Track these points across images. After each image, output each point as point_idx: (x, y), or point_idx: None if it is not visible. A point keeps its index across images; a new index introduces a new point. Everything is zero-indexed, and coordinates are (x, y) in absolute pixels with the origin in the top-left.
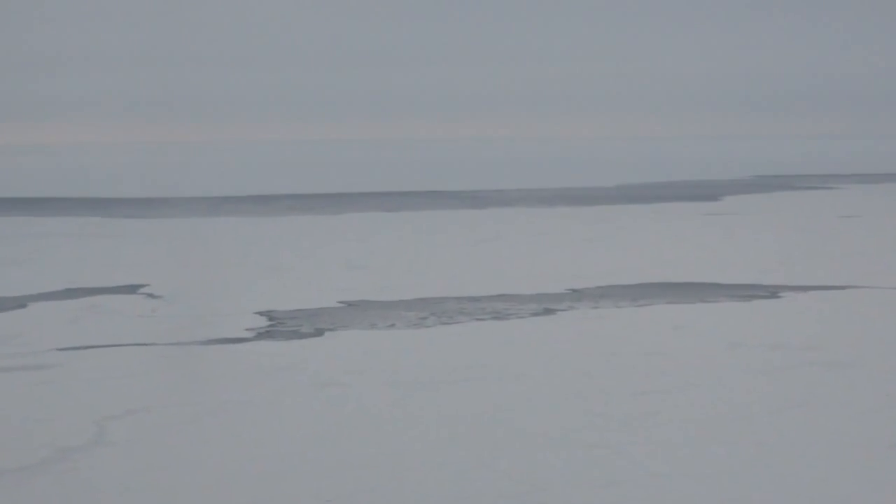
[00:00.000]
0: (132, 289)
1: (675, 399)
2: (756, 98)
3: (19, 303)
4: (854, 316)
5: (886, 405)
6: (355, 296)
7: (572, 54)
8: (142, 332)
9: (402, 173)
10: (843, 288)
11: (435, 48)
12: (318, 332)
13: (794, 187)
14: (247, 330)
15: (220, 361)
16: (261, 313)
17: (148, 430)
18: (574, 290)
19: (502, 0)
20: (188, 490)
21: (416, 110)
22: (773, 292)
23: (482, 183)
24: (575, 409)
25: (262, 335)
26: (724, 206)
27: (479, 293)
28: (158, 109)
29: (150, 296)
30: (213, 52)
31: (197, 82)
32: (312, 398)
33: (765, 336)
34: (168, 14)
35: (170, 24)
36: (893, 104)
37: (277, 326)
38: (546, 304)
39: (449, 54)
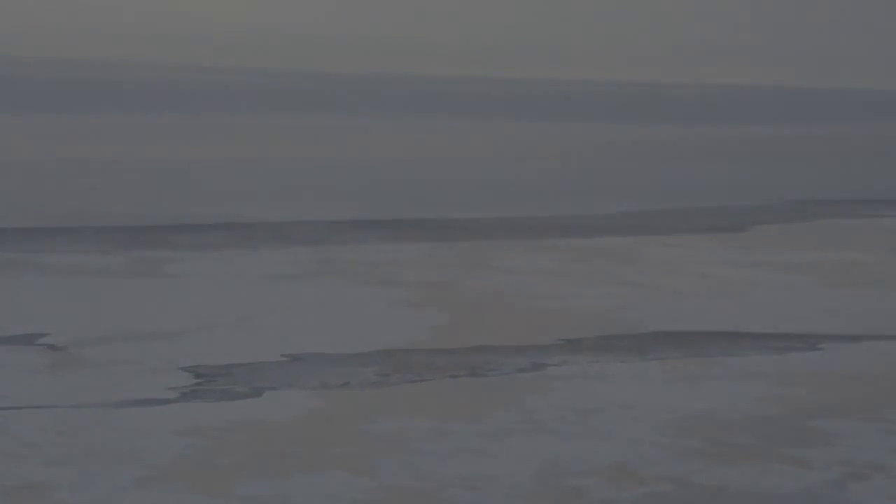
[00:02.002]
0: (28, 339)
1: None
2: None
3: None
4: None
5: None
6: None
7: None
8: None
9: None
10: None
11: None
12: (256, 392)
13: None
14: (169, 389)
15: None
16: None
17: None
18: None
19: None
20: None
21: None
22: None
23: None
24: None
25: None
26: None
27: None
28: None
29: (51, 347)
30: None
31: None
32: None
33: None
34: None
35: None
36: None
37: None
38: (535, 359)
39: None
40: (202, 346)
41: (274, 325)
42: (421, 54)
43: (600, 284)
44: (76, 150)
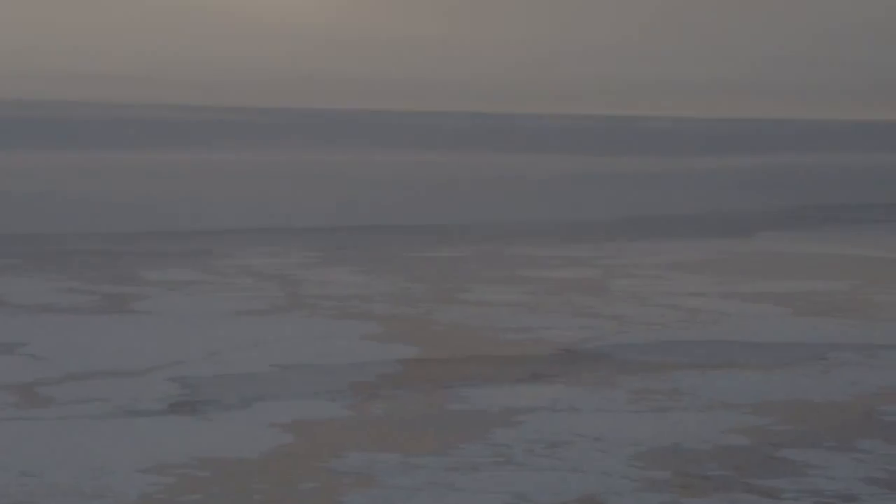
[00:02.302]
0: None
1: None
2: None
3: None
4: None
5: None
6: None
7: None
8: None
9: None
10: None
11: None
12: (222, 429)
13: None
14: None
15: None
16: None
17: None
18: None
19: None
20: None
21: None
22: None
23: None
24: None
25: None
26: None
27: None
28: None
29: (16, 386)
30: None
31: None
32: None
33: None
34: None
35: None
36: None
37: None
38: (503, 391)
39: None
40: (168, 383)
41: (241, 362)
42: (377, 90)
43: (570, 316)
44: (37, 186)
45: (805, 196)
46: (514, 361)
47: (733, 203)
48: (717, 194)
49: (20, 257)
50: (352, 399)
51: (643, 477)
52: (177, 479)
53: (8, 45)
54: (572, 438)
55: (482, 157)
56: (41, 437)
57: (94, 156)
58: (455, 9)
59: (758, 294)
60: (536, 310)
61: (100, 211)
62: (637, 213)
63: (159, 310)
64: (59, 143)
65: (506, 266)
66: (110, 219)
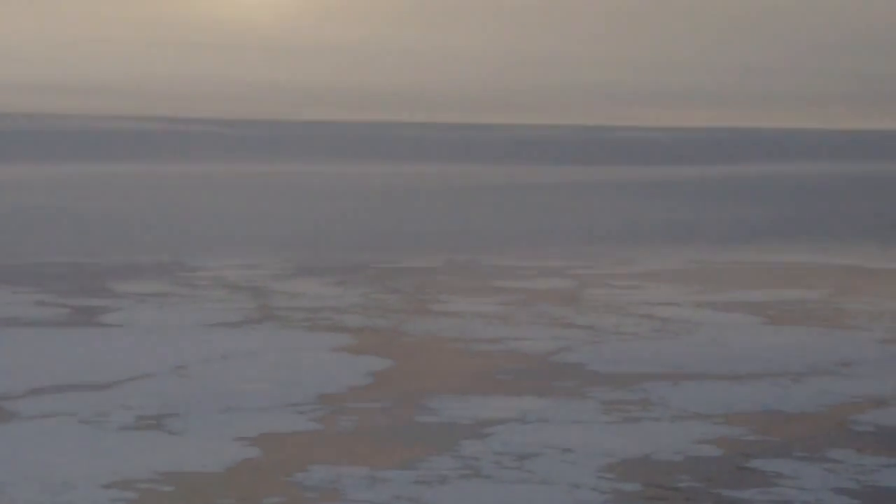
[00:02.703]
0: None
1: None
2: None
3: None
4: None
5: None
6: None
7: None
8: None
9: None
10: None
11: None
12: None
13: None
14: None
15: None
16: None
17: None
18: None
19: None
20: None
21: None
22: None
23: None
24: None
25: None
26: None
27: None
28: None
29: None
30: None
31: None
32: None
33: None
34: None
35: None
36: None
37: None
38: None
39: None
40: (136, 396)
41: (210, 374)
42: (355, 99)
43: (543, 327)
44: (6, 198)
45: (780, 205)
46: (484, 373)
47: (708, 213)
48: (692, 204)
49: None
50: (320, 412)
51: (613, 489)
52: (140, 493)
53: None
54: (542, 450)
55: (451, 168)
56: (3, 452)
57: (63, 168)
58: (421, 16)
59: (731, 303)
60: (509, 321)
61: (71, 223)
62: (612, 223)
63: (129, 322)
64: (27, 155)
65: (480, 277)
66: (82, 231)
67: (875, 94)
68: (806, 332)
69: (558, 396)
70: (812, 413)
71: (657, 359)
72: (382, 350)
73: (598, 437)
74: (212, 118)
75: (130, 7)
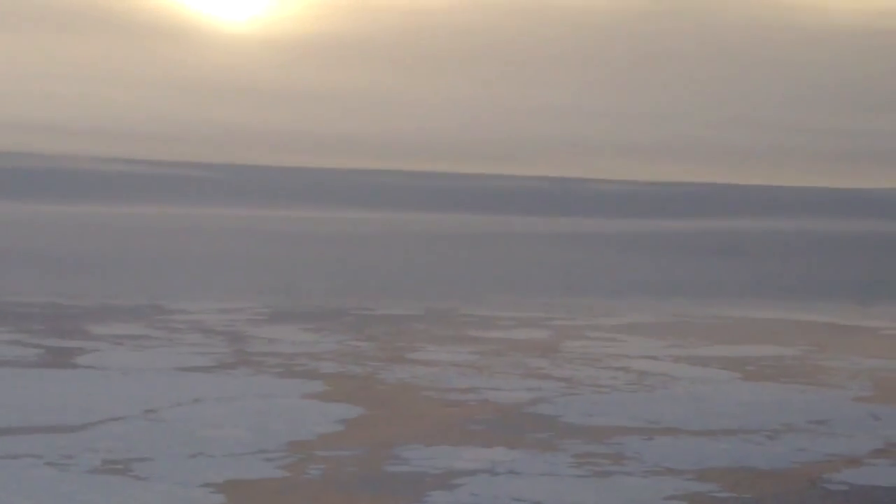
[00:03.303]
0: None
1: None
2: None
3: None
4: None
5: None
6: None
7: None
8: None
9: None
10: None
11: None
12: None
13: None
14: None
15: None
16: None
17: None
18: None
19: None
20: None
21: None
22: None
23: None
24: None
25: None
26: None
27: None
28: None
29: None
30: None
31: None
32: None
33: None
34: None
35: None
36: None
37: None
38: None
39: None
40: (104, 439)
41: (180, 419)
42: (334, 145)
43: (518, 378)
44: None
45: (758, 262)
46: (456, 423)
47: (686, 267)
48: (670, 258)
49: None
50: (288, 459)
51: None
52: None
53: None
54: (510, 503)
55: (429, 216)
56: None
57: (41, 208)
58: (393, 63)
59: (708, 358)
60: (484, 371)
61: (50, 264)
62: (590, 275)
63: (103, 364)
64: (4, 194)
65: (456, 326)
66: (60, 272)
67: (859, 150)
68: (782, 388)
69: (530, 448)
70: (784, 470)
71: (632, 412)
72: (355, 398)
73: (568, 491)
74: (191, 161)
75: (104, 46)
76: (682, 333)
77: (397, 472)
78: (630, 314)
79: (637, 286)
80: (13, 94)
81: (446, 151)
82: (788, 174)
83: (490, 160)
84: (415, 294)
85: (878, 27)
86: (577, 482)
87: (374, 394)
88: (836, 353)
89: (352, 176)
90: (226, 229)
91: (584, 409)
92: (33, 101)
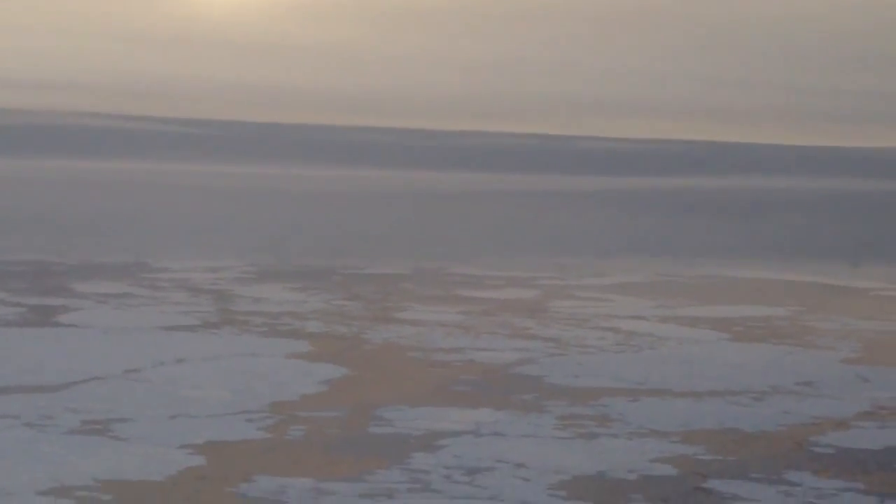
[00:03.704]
0: None
1: None
2: None
3: None
4: None
5: None
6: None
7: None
8: None
9: None
10: None
11: None
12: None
13: None
14: None
15: None
16: None
17: None
18: None
19: None
20: None
21: None
22: None
23: None
24: None
25: None
26: None
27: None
28: None
29: None
30: None
31: None
32: None
33: None
34: None
35: None
36: None
37: None
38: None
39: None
40: (84, 399)
41: (162, 379)
42: (322, 102)
43: (505, 338)
44: None
45: (747, 221)
46: (442, 384)
47: (676, 226)
48: (660, 217)
49: None
50: (270, 420)
51: None
52: (76, 502)
53: None
54: (494, 465)
55: (418, 174)
56: None
57: (26, 164)
58: (378, 17)
59: (697, 319)
60: (471, 331)
61: (35, 221)
62: (580, 234)
63: (85, 323)
64: None
65: (445, 285)
66: (45, 229)
67: (847, 109)
68: (770, 349)
69: (515, 409)
70: (772, 433)
71: (619, 373)
72: (340, 358)
73: (552, 453)
74: (171, 117)
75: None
76: (670, 293)
77: (380, 434)
78: (619, 274)
79: (626, 245)
80: None
81: (432, 108)
82: (778, 132)
83: (476, 117)
84: (403, 253)
85: None
86: (561, 444)
87: (359, 354)
88: (826, 314)
89: (337, 133)
90: (209, 186)
91: (570, 370)
92: (12, 56)
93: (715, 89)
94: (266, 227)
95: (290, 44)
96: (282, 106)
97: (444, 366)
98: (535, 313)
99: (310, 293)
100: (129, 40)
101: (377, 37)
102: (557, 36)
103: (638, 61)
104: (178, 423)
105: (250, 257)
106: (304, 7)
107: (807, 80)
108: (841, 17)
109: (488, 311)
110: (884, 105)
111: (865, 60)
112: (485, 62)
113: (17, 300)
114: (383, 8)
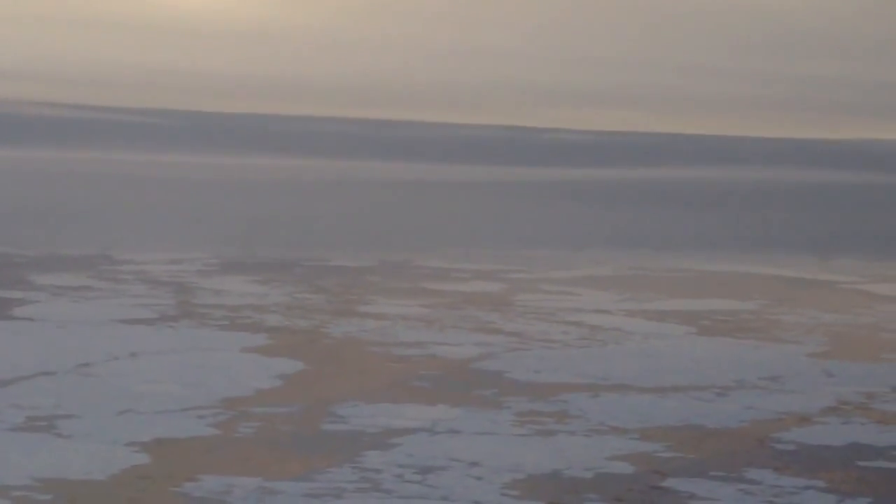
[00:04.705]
0: None
1: None
2: None
3: None
4: None
5: None
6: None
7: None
8: None
9: None
10: None
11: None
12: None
13: None
14: None
15: None
16: None
17: None
18: None
19: None
20: None
21: None
22: None
23: None
24: None
25: None
26: None
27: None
28: None
29: None
30: None
31: None
32: None
33: None
34: None
35: None
36: None
37: None
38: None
39: None
40: (31, 395)
41: (113, 374)
42: (286, 91)
43: (468, 332)
44: None
45: (716, 213)
46: (400, 379)
47: (643, 218)
48: (627, 209)
49: None
50: (221, 416)
51: None
52: (13, 502)
53: None
54: (447, 463)
55: (385, 165)
56: None
57: None
58: (347, 3)
59: (663, 312)
60: (434, 324)
61: None
62: (547, 226)
63: (41, 316)
64: None
65: (410, 278)
66: (3, 221)
67: (817, 100)
68: (736, 344)
69: (473, 406)
70: (733, 429)
71: (581, 368)
72: (297, 352)
73: (508, 451)
74: (142, 108)
75: None
76: (638, 287)
77: (333, 431)
78: (587, 267)
79: (595, 238)
80: None
81: (396, 97)
82: (748, 124)
83: (441, 107)
84: (370, 245)
85: None
86: (517, 441)
87: (317, 348)
88: (794, 308)
89: (300, 123)
90: (174, 177)
91: (531, 365)
92: None
93: (684, 79)
94: (232, 218)
95: (243, 30)
96: (247, 96)
97: (404, 360)
98: (500, 307)
99: (272, 286)
100: (82, 28)
101: (331, 20)
102: (523, 22)
103: (606, 49)
104: (126, 420)
105: (215, 249)
106: None
107: (774, 69)
108: (810, 6)
109: (453, 304)
110: (858, 95)
111: (840, 49)
112: (456, 50)
113: None
114: None
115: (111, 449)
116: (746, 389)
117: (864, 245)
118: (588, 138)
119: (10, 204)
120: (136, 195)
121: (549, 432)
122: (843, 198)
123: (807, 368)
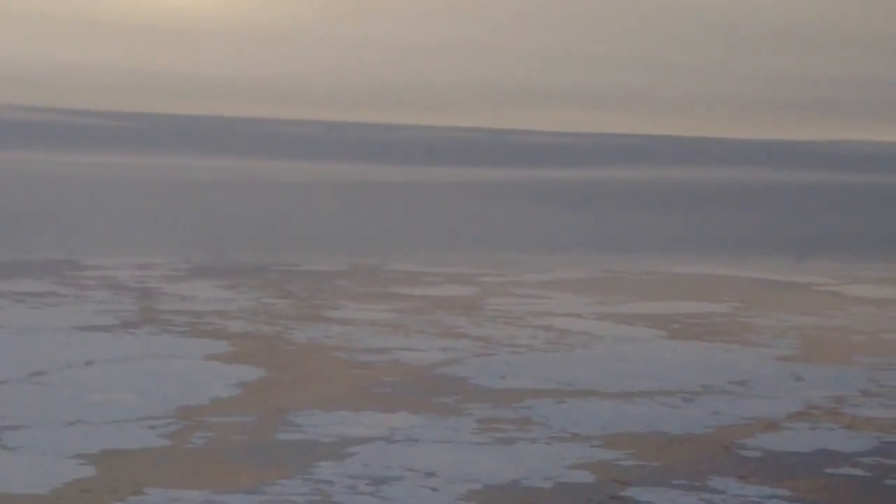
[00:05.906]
0: None
1: None
2: None
3: None
4: None
5: None
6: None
7: None
8: None
9: None
10: None
11: None
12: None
13: None
14: None
15: None
16: None
17: None
18: None
19: None
20: None
21: None
22: None
23: None
24: None
25: None
26: None
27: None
28: None
29: None
30: None
31: None
32: None
33: None
34: None
35: None
36: None
37: None
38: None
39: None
40: None
41: (67, 382)
42: (256, 92)
43: (434, 337)
44: None
45: (690, 215)
46: (361, 386)
47: (618, 221)
48: (602, 211)
49: None
50: (173, 426)
51: None
52: None
53: None
54: (402, 474)
55: (359, 167)
56: None
57: None
58: (318, 1)
59: (635, 316)
60: (400, 329)
61: None
62: (522, 229)
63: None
64: None
65: (382, 282)
66: None
67: (787, 100)
68: (706, 347)
69: (433, 413)
70: (698, 435)
71: (547, 373)
72: (258, 359)
73: (466, 460)
74: (99, 110)
75: None
76: (610, 290)
77: (287, 441)
78: (559, 270)
79: (568, 240)
80: None
81: (374, 99)
82: (719, 125)
83: (412, 109)
84: (341, 249)
85: None
86: (476, 450)
87: (279, 355)
88: (765, 310)
89: (274, 125)
90: (141, 180)
91: (497, 371)
92: None
93: (656, 78)
94: (201, 222)
95: (215, 30)
96: (213, 97)
97: (367, 367)
98: (469, 311)
99: (239, 291)
100: (53, 28)
101: (302, 18)
102: (502, 18)
103: (571, 47)
104: (74, 431)
105: (184, 253)
106: None
107: (751, 69)
108: (783, 4)
109: (421, 308)
110: (830, 96)
111: (828, 49)
112: (426, 48)
113: None
114: None
115: (56, 461)
116: (714, 394)
117: (838, 246)
118: (561, 140)
119: None
120: (105, 199)
121: (510, 440)
122: (817, 199)
123: (776, 372)
